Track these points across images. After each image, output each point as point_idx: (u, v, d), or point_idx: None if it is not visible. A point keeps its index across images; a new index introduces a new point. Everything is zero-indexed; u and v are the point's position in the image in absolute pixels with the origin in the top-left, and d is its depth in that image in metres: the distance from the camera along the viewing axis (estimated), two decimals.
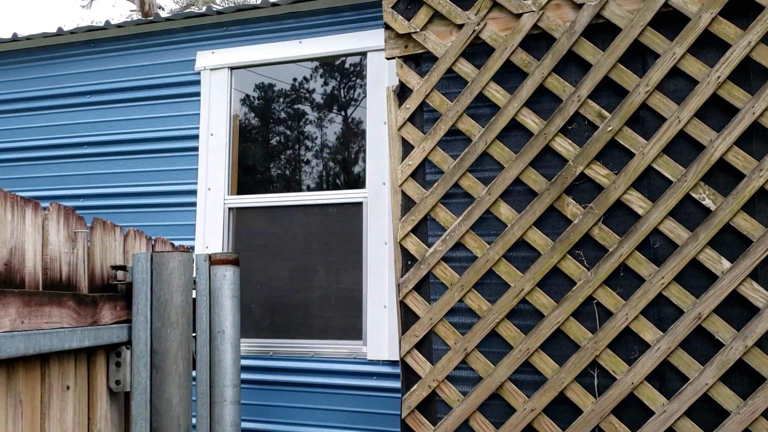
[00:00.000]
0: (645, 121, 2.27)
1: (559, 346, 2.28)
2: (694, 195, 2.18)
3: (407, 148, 2.49)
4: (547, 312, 2.27)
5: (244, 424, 3.52)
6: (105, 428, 2.04)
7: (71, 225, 1.88)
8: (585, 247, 2.30)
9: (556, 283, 2.31)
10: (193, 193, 3.70)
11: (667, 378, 2.19)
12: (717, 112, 2.20)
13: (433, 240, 2.44)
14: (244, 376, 3.53)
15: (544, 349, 2.28)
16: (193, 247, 3.64)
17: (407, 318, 2.43)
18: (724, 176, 2.19)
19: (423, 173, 2.51)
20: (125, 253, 2.25)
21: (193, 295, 2.73)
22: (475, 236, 2.38)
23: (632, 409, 2.21)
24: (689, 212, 2.21)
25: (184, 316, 2.15)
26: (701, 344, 2.17)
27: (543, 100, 2.39)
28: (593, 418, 2.20)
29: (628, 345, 2.23)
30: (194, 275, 2.75)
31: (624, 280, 2.25)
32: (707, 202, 2.16)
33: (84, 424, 1.92)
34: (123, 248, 2.24)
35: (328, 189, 3.67)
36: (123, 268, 2.12)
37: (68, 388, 1.82)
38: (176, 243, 2.78)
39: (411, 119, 2.50)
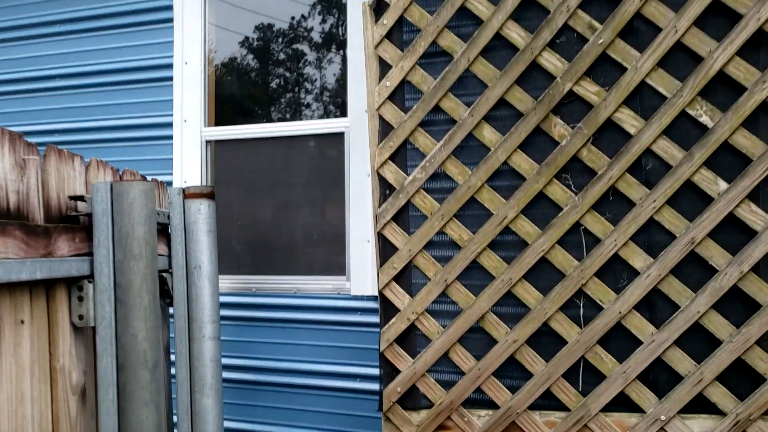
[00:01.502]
0: (639, 32, 2.11)
1: (543, 276, 2.18)
2: (690, 111, 2.03)
3: (384, 68, 2.33)
4: (531, 240, 2.16)
5: (227, 360, 3.47)
6: (70, 363, 1.96)
7: (19, 151, 1.75)
8: (573, 170, 2.17)
9: (541, 210, 2.19)
10: (170, 125, 3.55)
11: (656, 307, 2.09)
12: (719, 20, 2.03)
13: (414, 169, 2.30)
14: (226, 312, 3.46)
15: (528, 279, 2.18)
16: (171, 183, 3.51)
17: (385, 250, 2.32)
18: (723, 91, 2.04)
19: (402, 97, 2.35)
20: (87, 185, 2.13)
21: (168, 230, 2.62)
22: (456, 162, 2.24)
23: (619, 340, 2.12)
24: (685, 131, 2.07)
25: (148, 248, 2.04)
26: (694, 271, 2.06)
27: (530, 15, 2.21)
28: (578, 349, 2.11)
29: (617, 273, 2.13)
30: (168, 209, 2.64)
31: (613, 205, 2.13)
32: (704, 119, 2.02)
33: (44, 360, 1.84)
34: (85, 179, 2.12)
35: (309, 119, 3.51)
36: (82, 198, 2.00)
37: (23, 322, 1.73)
38: (154, 178, 2.67)
39: (389, 36, 2.33)
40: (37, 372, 1.79)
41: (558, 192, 2.15)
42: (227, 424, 3.48)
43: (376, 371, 3.18)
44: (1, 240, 1.58)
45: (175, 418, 2.94)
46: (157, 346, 2.08)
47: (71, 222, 1.99)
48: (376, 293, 3.17)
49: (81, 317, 1.98)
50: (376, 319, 3.18)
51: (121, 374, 2.01)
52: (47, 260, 1.75)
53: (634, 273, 2.09)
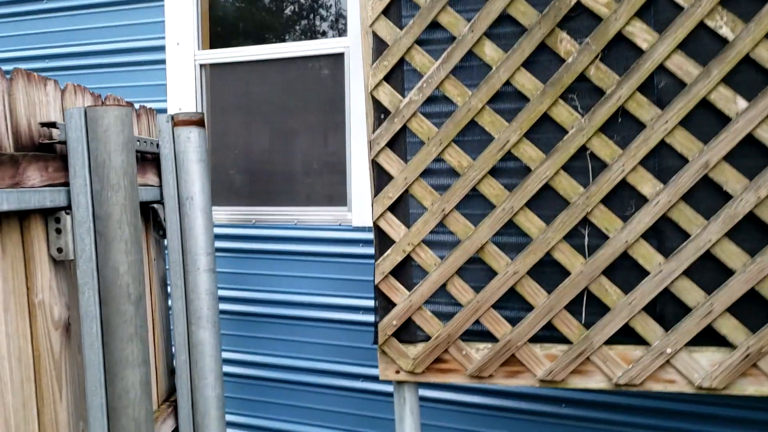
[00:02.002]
0: None
1: (547, 204, 2.05)
2: (709, 23, 1.86)
3: None
4: (534, 166, 2.03)
5: (226, 292, 3.42)
6: (50, 298, 1.89)
7: None
8: (579, 90, 2.01)
9: (546, 133, 2.04)
10: (162, 49, 3.39)
11: (665, 236, 1.97)
12: None
13: (410, 92, 2.15)
14: (225, 245, 3.39)
15: (530, 207, 2.05)
16: (165, 110, 3.38)
17: (380, 179, 2.20)
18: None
19: (399, 13, 2.18)
20: (64, 111, 2.01)
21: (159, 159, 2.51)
22: (456, 82, 2.09)
23: (625, 270, 2.00)
24: (702, 45, 1.90)
25: (127, 178, 1.93)
26: (706, 197, 1.93)
27: None
28: (582, 280, 2.00)
29: (624, 200, 2.00)
30: (158, 138, 2.53)
31: (622, 128, 1.98)
32: (724, 31, 1.84)
33: (21, 294, 1.77)
34: (60, 105, 2.00)
35: (307, 39, 3.33)
36: (54, 125, 1.89)
37: None
38: (147, 105, 2.54)
39: None
40: (12, 307, 1.72)
41: (563, 114, 2.00)
42: (227, 355, 3.46)
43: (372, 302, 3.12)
44: None
45: (173, 351, 2.91)
46: (140, 279, 2.00)
47: (45, 151, 1.88)
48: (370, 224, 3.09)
49: (60, 250, 1.90)
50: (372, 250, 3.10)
51: (104, 308, 1.94)
52: (15, 190, 1.65)
53: (643, 200, 1.96)
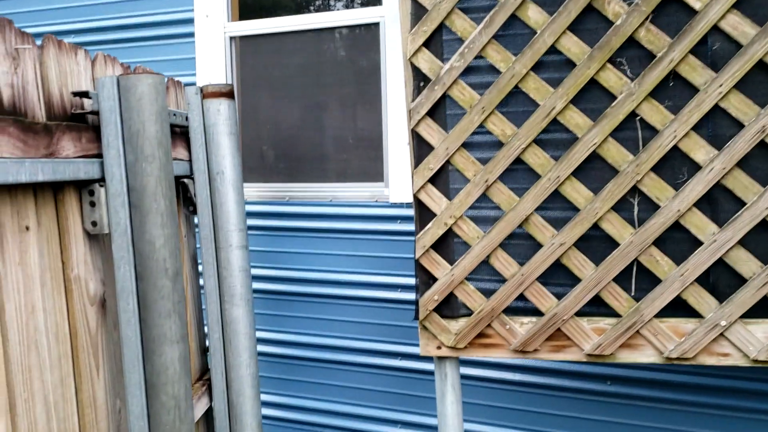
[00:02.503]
0: None
1: (594, 173, 1.98)
2: None
3: None
4: (581, 134, 1.95)
5: (260, 271, 3.38)
6: (86, 273, 1.85)
7: (10, 40, 1.58)
8: (629, 54, 1.93)
9: (593, 99, 1.97)
10: (191, 21, 3.33)
11: (719, 204, 1.88)
12: None
13: (451, 58, 2.08)
14: (258, 222, 3.34)
15: (577, 177, 1.98)
16: (194, 84, 3.32)
17: (420, 149, 2.13)
18: None
19: None
20: (94, 82, 1.96)
21: (188, 133, 2.46)
22: (498, 47, 2.01)
23: (676, 241, 1.93)
24: (758, 4, 1.80)
25: (161, 149, 1.88)
26: (763, 164, 1.84)
27: None
28: (631, 251, 1.93)
29: (675, 168, 1.91)
30: (187, 111, 2.48)
31: (674, 92, 1.90)
32: None
33: (57, 269, 1.72)
34: (91, 75, 1.94)
35: (341, 9, 3.24)
36: (87, 95, 1.83)
37: (28, 228, 1.60)
38: (171, 78, 2.49)
39: None
40: (48, 282, 1.68)
41: (612, 78, 1.92)
42: (260, 335, 3.43)
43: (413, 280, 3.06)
44: None
45: (206, 329, 2.88)
46: (176, 254, 1.95)
47: (77, 121, 1.83)
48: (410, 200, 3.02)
49: (94, 224, 1.85)
50: (411, 226, 3.04)
51: (141, 283, 1.90)
52: (50, 161, 1.60)
53: (696, 167, 1.88)
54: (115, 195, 1.85)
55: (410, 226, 3.06)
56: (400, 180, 3.04)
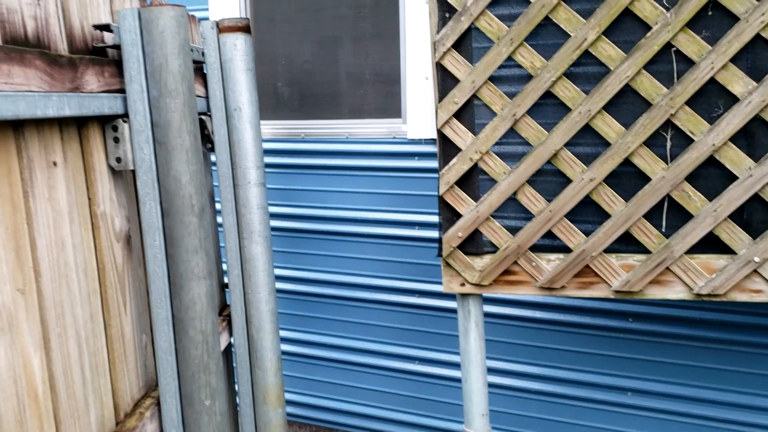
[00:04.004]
0: None
1: (626, 107, 1.93)
2: None
3: None
4: (614, 66, 1.89)
5: (276, 209, 3.36)
6: (111, 209, 1.83)
7: None
8: None
9: (626, 31, 1.90)
10: None
11: (756, 138, 1.85)
12: None
13: None
14: (274, 160, 3.30)
15: (608, 111, 1.93)
16: (207, 18, 3.24)
17: (445, 83, 2.08)
18: None
19: None
20: (113, 15, 1.90)
21: (204, 69, 2.41)
22: None
23: (710, 177, 1.90)
24: None
25: (185, 83, 1.83)
26: None
27: None
28: (663, 186, 1.90)
29: (711, 101, 1.87)
30: (202, 46, 2.41)
31: (712, 21, 1.83)
32: None
33: (83, 205, 1.70)
34: (110, 8, 1.88)
35: None
36: (108, 28, 1.78)
37: (55, 164, 1.57)
38: (189, 13, 2.41)
39: None
40: (76, 218, 1.66)
41: (647, 8, 1.85)
42: (278, 272, 3.44)
43: (435, 218, 3.05)
44: (21, 70, 1.39)
45: (224, 266, 2.89)
46: (202, 190, 1.93)
47: (98, 55, 1.78)
48: (435, 136, 2.96)
49: (119, 160, 1.82)
50: (435, 164, 3.00)
51: (167, 220, 1.88)
52: (75, 95, 1.56)
53: (733, 100, 1.83)
54: (139, 131, 1.82)
55: (428, 163, 3.03)
56: (418, 116, 2.99)
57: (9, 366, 1.37)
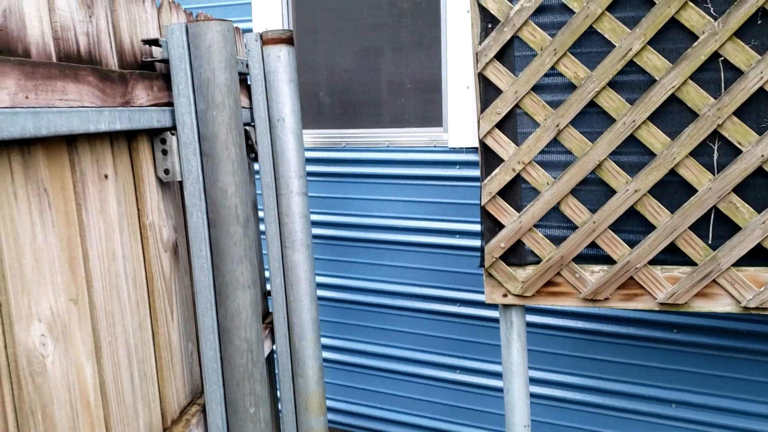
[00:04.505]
0: None
1: (672, 118, 1.91)
2: None
3: None
4: (660, 76, 1.87)
5: (318, 217, 3.39)
6: (159, 220, 1.88)
7: None
8: None
9: (673, 40, 1.88)
10: None
11: None
12: None
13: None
14: (316, 168, 3.34)
15: (654, 121, 1.91)
16: (250, 30, 3.29)
17: (487, 93, 2.08)
18: None
19: None
20: (161, 29, 1.95)
21: (248, 80, 2.45)
22: None
23: (758, 188, 1.86)
24: None
25: (231, 96, 1.87)
26: None
27: None
28: (710, 198, 1.87)
29: (760, 111, 1.83)
30: (246, 58, 2.45)
31: (762, 30, 1.80)
32: None
33: (133, 216, 1.75)
34: (158, 23, 1.93)
35: None
36: (156, 42, 1.83)
37: (106, 177, 1.62)
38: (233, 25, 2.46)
39: None
40: (126, 228, 1.71)
41: (694, 17, 1.83)
42: (318, 279, 3.47)
43: (476, 227, 3.04)
44: (75, 86, 1.43)
45: (267, 274, 2.92)
46: (247, 201, 1.97)
47: (147, 69, 1.83)
48: (477, 145, 2.96)
49: (167, 172, 1.87)
50: (476, 172, 3.00)
51: (213, 230, 1.92)
52: (126, 109, 1.61)
53: None
54: (186, 143, 1.86)
55: (469, 172, 3.03)
56: (459, 124, 2.99)
57: (63, 374, 1.41)
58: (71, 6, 1.51)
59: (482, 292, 3.10)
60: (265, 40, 2.46)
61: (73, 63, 1.49)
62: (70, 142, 1.48)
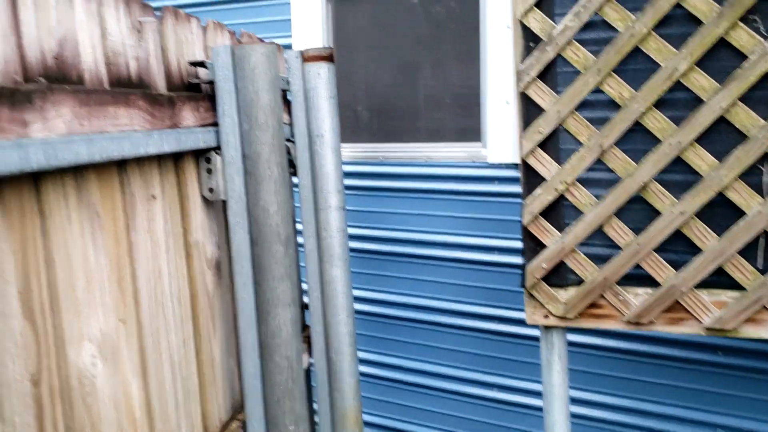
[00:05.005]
0: None
1: (720, 139, 1.87)
2: None
3: None
4: (707, 96, 1.84)
5: (354, 231, 3.40)
6: (203, 238, 1.90)
7: (135, 13, 1.60)
8: (763, 10, 1.79)
9: (721, 60, 1.85)
10: None
11: None
12: None
13: (563, 18, 1.99)
14: (353, 182, 3.35)
15: (701, 143, 1.88)
16: (290, 46, 3.32)
17: (529, 112, 2.06)
18: None
19: None
20: (206, 50, 1.98)
21: (288, 96, 2.48)
22: (616, 5, 1.91)
23: None
24: None
25: (274, 117, 1.89)
26: None
27: None
28: (759, 222, 1.83)
29: None
30: (287, 75, 2.48)
31: None
32: None
33: (179, 235, 1.78)
34: (203, 44, 1.96)
35: None
36: (203, 64, 1.86)
37: (154, 197, 1.65)
38: (271, 41, 2.48)
39: None
40: (172, 247, 1.74)
41: (743, 37, 1.79)
42: (355, 293, 3.47)
43: (515, 243, 3.02)
44: (126, 111, 1.46)
45: (304, 287, 2.94)
46: (288, 219, 1.98)
47: (192, 90, 1.86)
48: (517, 161, 2.94)
49: (211, 190, 1.89)
50: (515, 188, 2.98)
51: (255, 248, 1.94)
52: (173, 131, 1.64)
53: None
54: (230, 162, 1.88)
55: (509, 187, 3.01)
56: (498, 140, 2.98)
57: (111, 393, 1.44)
58: (122, 31, 1.54)
59: (521, 309, 3.07)
60: (306, 57, 2.48)
61: (124, 87, 1.52)
62: (121, 164, 1.51)
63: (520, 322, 3.10)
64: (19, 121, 1.12)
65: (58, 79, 1.31)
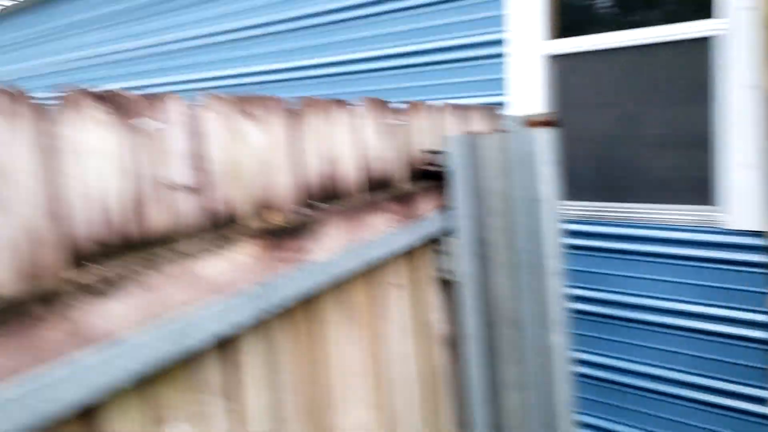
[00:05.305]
0: None
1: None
2: None
3: None
4: None
5: (572, 291, 3.33)
6: (439, 320, 1.98)
7: (387, 117, 1.72)
8: None
9: None
10: (500, 42, 3.36)
11: None
12: None
13: None
14: (572, 241, 3.29)
15: None
16: (501, 104, 3.36)
17: None
18: None
19: None
20: (441, 136, 2.07)
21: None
22: None
23: None
24: None
25: (504, 202, 1.93)
26: None
27: None
28: None
29: None
30: (509, 140, 2.51)
31: None
32: None
33: (419, 317, 1.87)
34: (441, 128, 2.06)
35: (659, 24, 3.01)
36: (438, 153, 1.94)
37: (401, 286, 1.75)
38: (482, 100, 2.54)
39: None
40: (415, 330, 1.82)
41: None
42: (577, 355, 3.39)
43: (758, 317, 2.79)
44: (379, 217, 1.57)
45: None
46: (520, 303, 2.00)
47: (425, 177, 1.95)
48: (759, 228, 2.73)
49: (446, 273, 1.97)
50: (757, 257, 2.76)
51: (487, 330, 1.98)
52: (416, 224, 1.73)
53: None
54: (464, 246, 1.95)
55: (750, 256, 2.78)
56: (737, 205, 2.78)
57: None
58: (378, 138, 1.66)
59: (761, 387, 2.82)
60: (529, 122, 2.49)
61: (374, 190, 1.64)
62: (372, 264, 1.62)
63: (758, 400, 2.84)
64: (304, 250, 1.26)
65: (329, 196, 1.44)
